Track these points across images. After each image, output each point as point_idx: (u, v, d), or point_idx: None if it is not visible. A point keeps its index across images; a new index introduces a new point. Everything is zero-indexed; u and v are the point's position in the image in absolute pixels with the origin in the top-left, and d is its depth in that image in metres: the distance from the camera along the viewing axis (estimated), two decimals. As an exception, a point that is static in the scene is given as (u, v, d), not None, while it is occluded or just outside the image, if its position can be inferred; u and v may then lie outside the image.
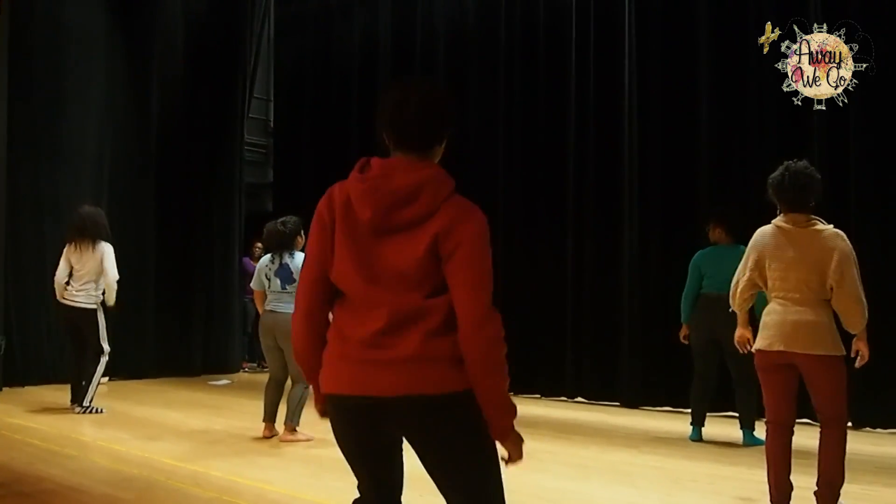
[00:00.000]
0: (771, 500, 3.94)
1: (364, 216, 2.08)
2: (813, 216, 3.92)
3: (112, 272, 7.16)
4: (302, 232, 6.05)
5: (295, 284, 5.80)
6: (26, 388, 8.54)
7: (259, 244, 11.12)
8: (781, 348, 3.84)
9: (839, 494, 3.83)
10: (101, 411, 7.09)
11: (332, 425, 2.17)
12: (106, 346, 7.19)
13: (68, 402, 7.25)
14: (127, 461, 5.22)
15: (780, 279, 3.89)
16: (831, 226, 3.89)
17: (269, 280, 6.01)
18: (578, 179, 8.61)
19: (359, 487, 2.23)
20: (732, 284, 4.14)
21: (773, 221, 4.00)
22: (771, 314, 3.94)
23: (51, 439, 5.90)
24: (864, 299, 3.80)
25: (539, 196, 8.93)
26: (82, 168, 9.44)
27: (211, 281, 10.79)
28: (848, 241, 3.83)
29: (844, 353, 3.82)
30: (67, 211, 7.90)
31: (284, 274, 5.96)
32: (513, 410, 2.12)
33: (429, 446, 2.09)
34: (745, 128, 7.52)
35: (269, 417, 6.09)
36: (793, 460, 3.93)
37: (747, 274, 4.03)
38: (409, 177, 2.07)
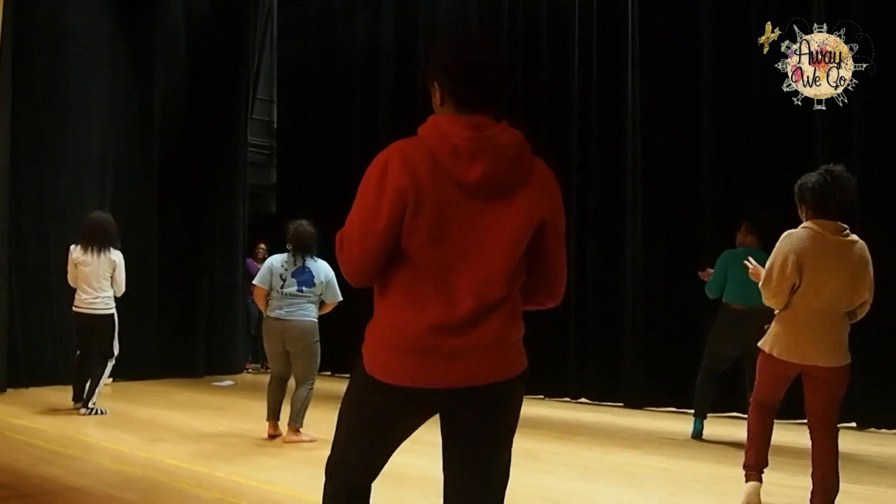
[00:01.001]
0: (747, 466, 4.02)
1: (472, 174, 1.90)
2: (842, 224, 3.81)
3: (122, 284, 7.24)
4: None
5: (314, 289, 5.84)
6: (30, 389, 8.55)
7: (262, 245, 11.15)
8: (797, 361, 3.81)
9: (833, 501, 3.83)
10: (105, 412, 7.10)
11: (374, 401, 2.06)
12: (116, 350, 7.22)
13: (71, 404, 7.26)
14: (130, 462, 5.23)
15: (814, 288, 3.75)
16: (860, 241, 3.83)
17: (283, 280, 5.90)
18: (582, 181, 8.60)
19: (346, 456, 2.18)
20: (769, 287, 3.88)
21: (804, 225, 3.83)
22: (791, 323, 3.84)
23: (54, 440, 5.91)
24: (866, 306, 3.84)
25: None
26: (85, 170, 9.45)
27: (214, 282, 10.80)
28: (867, 251, 3.82)
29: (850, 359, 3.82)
30: (71, 213, 7.91)
31: (305, 277, 5.89)
32: None
33: (485, 426, 2.03)
34: (748, 128, 7.52)
35: (274, 415, 6.09)
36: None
37: (787, 280, 3.77)
38: (510, 133, 1.99)
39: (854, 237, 3.82)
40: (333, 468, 2.20)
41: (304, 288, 5.87)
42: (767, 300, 3.90)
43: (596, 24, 8.57)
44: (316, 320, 5.95)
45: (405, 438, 2.17)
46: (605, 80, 8.48)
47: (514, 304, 2.02)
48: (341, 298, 5.97)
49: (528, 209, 1.93)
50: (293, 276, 5.89)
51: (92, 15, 9.64)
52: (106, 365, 7.18)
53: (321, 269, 5.96)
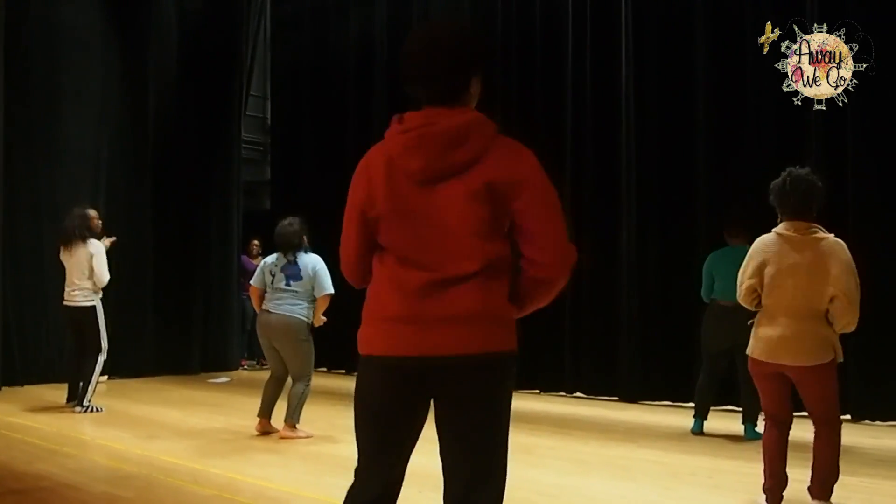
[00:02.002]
0: (764, 490, 3.97)
1: (413, 166, 2.03)
2: (814, 224, 3.87)
3: (100, 274, 7.11)
4: (307, 232, 6.07)
5: (301, 283, 5.85)
6: (25, 387, 8.54)
7: (256, 242, 11.13)
8: (771, 360, 3.86)
9: (832, 491, 3.85)
10: (101, 410, 7.09)
11: (368, 385, 2.12)
12: (105, 344, 7.17)
13: (65, 402, 7.26)
14: (126, 459, 5.22)
15: (777, 286, 3.84)
16: (832, 235, 3.85)
17: (272, 276, 5.96)
18: (576, 177, 8.60)
19: (359, 461, 2.17)
20: (738, 290, 4.06)
21: (774, 229, 3.94)
22: (762, 324, 3.93)
23: (50, 438, 5.90)
24: (858, 310, 3.74)
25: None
26: (79, 168, 9.43)
27: (209, 279, 10.79)
28: (847, 251, 3.79)
29: (833, 356, 3.78)
30: (65, 211, 7.87)
31: (293, 271, 5.92)
32: None
33: (466, 403, 2.04)
34: (743, 124, 7.52)
35: (265, 413, 6.09)
36: (789, 454, 3.94)
37: (746, 282, 3.97)
38: (455, 119, 2.03)
39: (822, 235, 3.84)
40: (353, 481, 2.21)
41: (291, 282, 5.90)
42: (740, 301, 4.07)
43: (589, 22, 8.55)
44: (304, 318, 5.90)
45: (406, 436, 2.14)
46: (598, 75, 8.47)
47: (491, 280, 2.03)
48: (331, 291, 5.90)
49: (476, 187, 2.01)
50: (282, 270, 5.96)
51: (84, 12, 9.61)
52: (96, 360, 7.11)
53: (309, 261, 5.97)
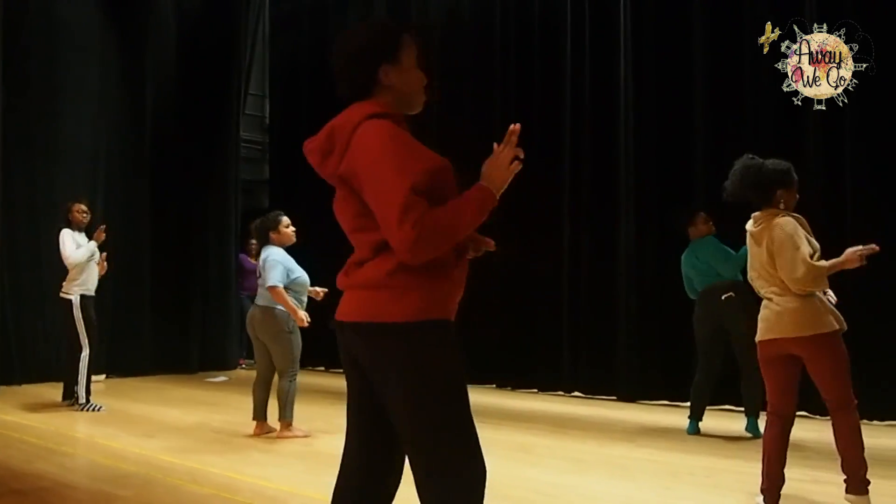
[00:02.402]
0: (761, 490, 3.96)
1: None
2: (768, 211, 3.97)
3: (65, 257, 7.02)
4: (279, 226, 6.03)
5: (262, 278, 5.89)
6: (23, 386, 8.54)
7: (255, 240, 11.12)
8: (773, 336, 3.88)
9: (864, 483, 3.79)
10: (101, 409, 7.08)
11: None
12: (84, 341, 7.07)
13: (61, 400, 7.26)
14: (124, 458, 5.22)
15: (757, 277, 4.03)
16: (784, 218, 3.89)
17: (258, 274, 6.12)
18: (574, 174, 8.61)
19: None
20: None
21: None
22: (761, 307, 4.02)
23: (47, 437, 5.90)
24: (805, 267, 3.73)
25: (535, 191, 8.90)
26: (77, 166, 9.43)
27: (207, 278, 10.79)
28: (786, 228, 3.83)
29: (836, 328, 3.78)
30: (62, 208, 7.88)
31: (259, 267, 6.04)
32: (487, 200, 2.10)
33: (372, 378, 2.08)
34: (741, 120, 7.52)
35: (259, 415, 6.09)
36: (788, 453, 3.93)
37: (749, 273, 4.13)
38: (328, 125, 2.14)
39: (774, 221, 3.91)
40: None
41: (258, 277, 6.05)
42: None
43: (588, 18, 8.56)
44: (277, 308, 5.86)
45: (358, 410, 2.18)
46: (598, 73, 8.47)
47: (382, 257, 2.05)
48: (270, 284, 5.80)
49: (345, 192, 2.10)
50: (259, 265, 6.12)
51: (83, 10, 9.61)
52: (78, 357, 7.03)
53: (265, 253, 6.02)
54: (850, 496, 3.82)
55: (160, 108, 10.34)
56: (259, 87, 12.89)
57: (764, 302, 3.99)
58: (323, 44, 11.32)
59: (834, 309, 3.88)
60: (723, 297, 5.97)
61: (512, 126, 2.11)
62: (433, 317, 2.03)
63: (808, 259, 3.75)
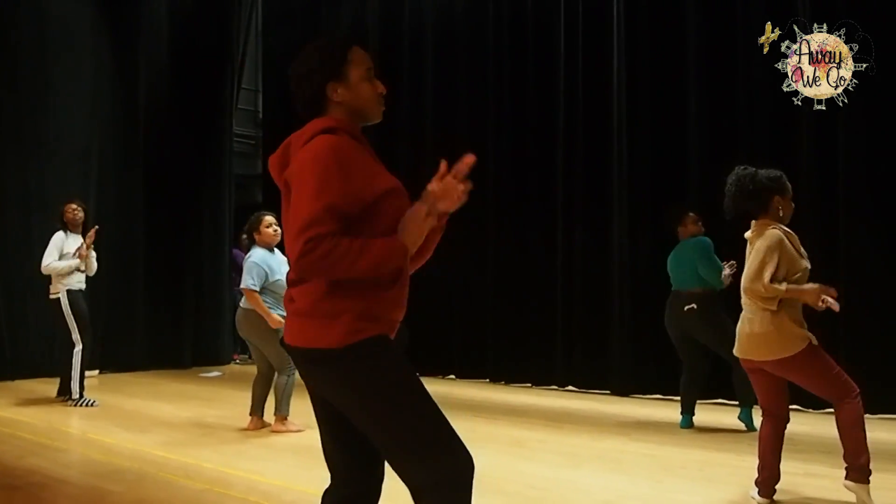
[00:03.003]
0: (756, 483, 3.98)
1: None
2: (763, 221, 3.94)
3: (44, 266, 7.01)
4: (260, 226, 6.03)
5: (240, 278, 5.96)
6: (16, 381, 8.52)
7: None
8: (745, 356, 3.94)
9: (865, 471, 3.79)
10: (94, 404, 7.06)
11: None
12: (76, 336, 7.07)
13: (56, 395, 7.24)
14: (117, 453, 5.21)
15: (743, 285, 3.96)
16: (773, 230, 3.86)
17: None
18: (568, 170, 8.61)
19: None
20: None
21: None
22: (740, 317, 4.01)
23: (40, 432, 5.89)
24: (761, 285, 3.74)
25: (529, 187, 8.93)
26: (69, 162, 9.39)
27: (201, 273, 10.77)
28: (768, 240, 3.80)
29: (803, 346, 3.75)
30: (55, 205, 7.85)
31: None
32: (395, 255, 2.05)
33: (320, 388, 2.15)
34: (734, 117, 7.52)
35: (256, 410, 6.09)
36: (751, 443, 3.94)
37: None
38: (283, 141, 2.19)
39: (758, 232, 3.92)
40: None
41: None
42: None
43: (582, 15, 8.55)
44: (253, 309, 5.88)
45: (332, 425, 2.19)
46: (591, 71, 8.46)
47: (317, 281, 2.06)
48: (245, 286, 5.84)
49: (287, 193, 2.13)
50: None
51: (74, 5, 9.58)
52: (70, 353, 7.03)
53: (248, 256, 6.04)
54: (850, 483, 3.83)
55: (153, 103, 10.30)
56: (252, 81, 12.86)
57: (742, 313, 3.97)
58: (316, 38, 11.26)
59: (797, 328, 3.79)
60: (685, 308, 6.02)
61: (466, 157, 2.15)
62: (366, 336, 2.04)
63: (766, 280, 3.74)
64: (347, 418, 2.12)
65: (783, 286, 3.75)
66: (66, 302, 7.06)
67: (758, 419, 5.75)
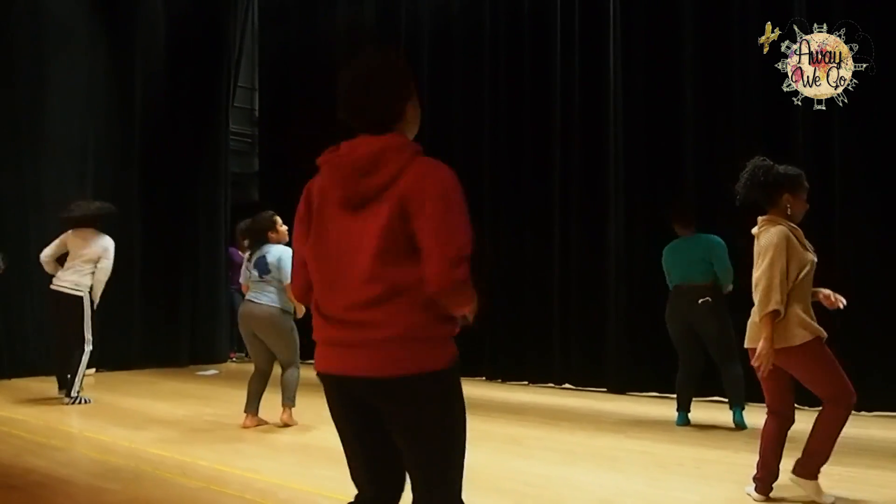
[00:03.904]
0: (754, 479, 4.00)
1: (335, 194, 2.12)
2: (768, 216, 3.98)
3: (110, 266, 7.21)
4: (276, 226, 6.13)
5: (270, 275, 5.97)
6: (12, 380, 8.51)
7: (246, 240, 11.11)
8: (751, 346, 3.94)
9: (815, 472, 3.84)
10: (89, 401, 7.07)
11: (328, 401, 2.22)
12: (89, 336, 7.13)
13: (55, 394, 7.26)
14: (114, 452, 5.21)
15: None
16: (778, 227, 3.89)
17: (249, 272, 6.12)
18: (564, 169, 8.61)
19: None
20: None
21: None
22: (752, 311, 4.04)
23: (37, 431, 5.89)
24: (771, 285, 3.78)
25: (525, 184, 8.93)
26: (66, 160, 9.38)
27: (197, 271, 10.77)
28: (774, 237, 3.84)
29: (807, 339, 3.78)
30: (51, 202, 7.86)
31: (261, 265, 6.04)
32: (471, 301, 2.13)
33: (394, 420, 2.12)
34: (729, 115, 7.53)
35: (252, 408, 6.10)
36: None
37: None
38: (371, 145, 2.09)
39: (764, 229, 3.96)
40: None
41: (263, 275, 6.02)
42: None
43: (578, 13, 8.55)
44: (280, 306, 5.96)
45: (361, 447, 2.21)
46: (587, 67, 8.47)
47: (403, 302, 2.04)
48: (287, 280, 5.90)
49: (388, 210, 2.04)
50: (254, 265, 6.08)
51: (70, 2, 9.55)
52: (82, 352, 7.08)
53: (274, 252, 6.07)
54: (799, 478, 3.88)
55: (149, 101, 10.29)
56: (248, 79, 12.85)
57: (753, 307, 3.97)
58: (312, 36, 11.30)
59: (806, 319, 3.81)
60: (699, 301, 5.99)
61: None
62: (457, 359, 2.15)
63: (781, 286, 3.77)
64: (386, 437, 2.16)
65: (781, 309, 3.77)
66: (89, 301, 7.12)
67: (748, 418, 5.80)
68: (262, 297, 5.96)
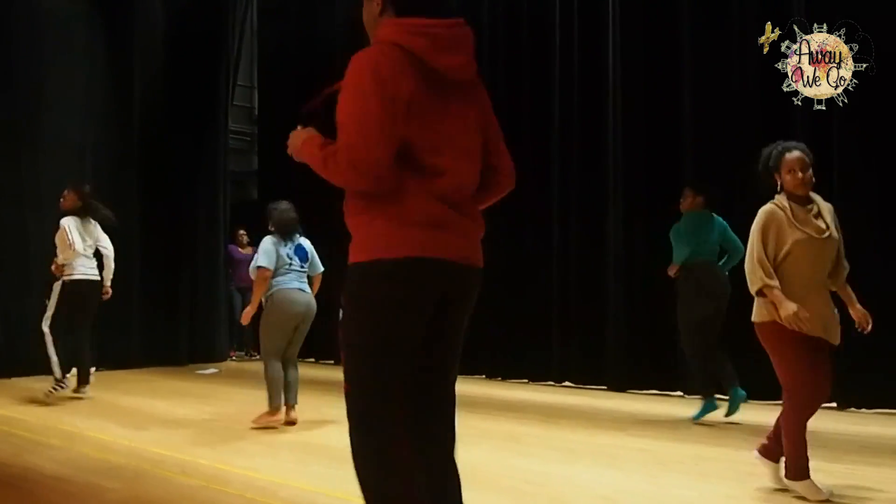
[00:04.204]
0: (796, 467, 3.89)
1: (454, 63, 2.12)
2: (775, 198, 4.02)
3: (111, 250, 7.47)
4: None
5: (307, 263, 6.15)
6: (11, 379, 8.50)
7: (243, 231, 11.11)
8: (753, 319, 4.03)
9: (804, 471, 3.81)
10: (64, 388, 7.11)
11: (418, 300, 2.16)
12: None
13: (56, 393, 7.23)
14: (113, 451, 5.21)
15: None
16: (763, 207, 3.96)
17: (290, 259, 6.06)
18: (563, 166, 8.62)
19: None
20: None
21: None
22: None
23: (36, 430, 5.88)
24: (752, 265, 3.85)
25: (524, 181, 8.87)
26: (64, 158, 9.35)
27: (197, 269, 10.75)
28: (758, 220, 3.92)
29: (768, 319, 3.83)
30: (49, 202, 7.83)
31: (301, 253, 6.14)
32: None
33: (457, 324, 2.41)
34: (728, 111, 7.53)
35: (288, 399, 6.10)
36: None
37: None
38: (466, 38, 2.20)
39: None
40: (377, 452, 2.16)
41: (304, 264, 6.15)
42: None
43: (577, 8, 8.56)
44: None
45: (433, 356, 2.25)
46: (586, 63, 8.48)
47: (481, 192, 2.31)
48: (322, 269, 6.26)
49: (487, 102, 2.25)
50: (295, 253, 6.12)
51: (69, 1, 9.53)
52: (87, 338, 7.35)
53: (307, 244, 6.24)
54: (788, 480, 3.88)
55: (148, 99, 10.27)
56: (247, 77, 12.85)
57: None
58: (311, 34, 11.29)
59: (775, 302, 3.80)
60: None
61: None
62: None
63: (758, 261, 3.83)
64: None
65: (774, 283, 3.78)
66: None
67: (748, 418, 5.79)
68: (307, 287, 6.12)
